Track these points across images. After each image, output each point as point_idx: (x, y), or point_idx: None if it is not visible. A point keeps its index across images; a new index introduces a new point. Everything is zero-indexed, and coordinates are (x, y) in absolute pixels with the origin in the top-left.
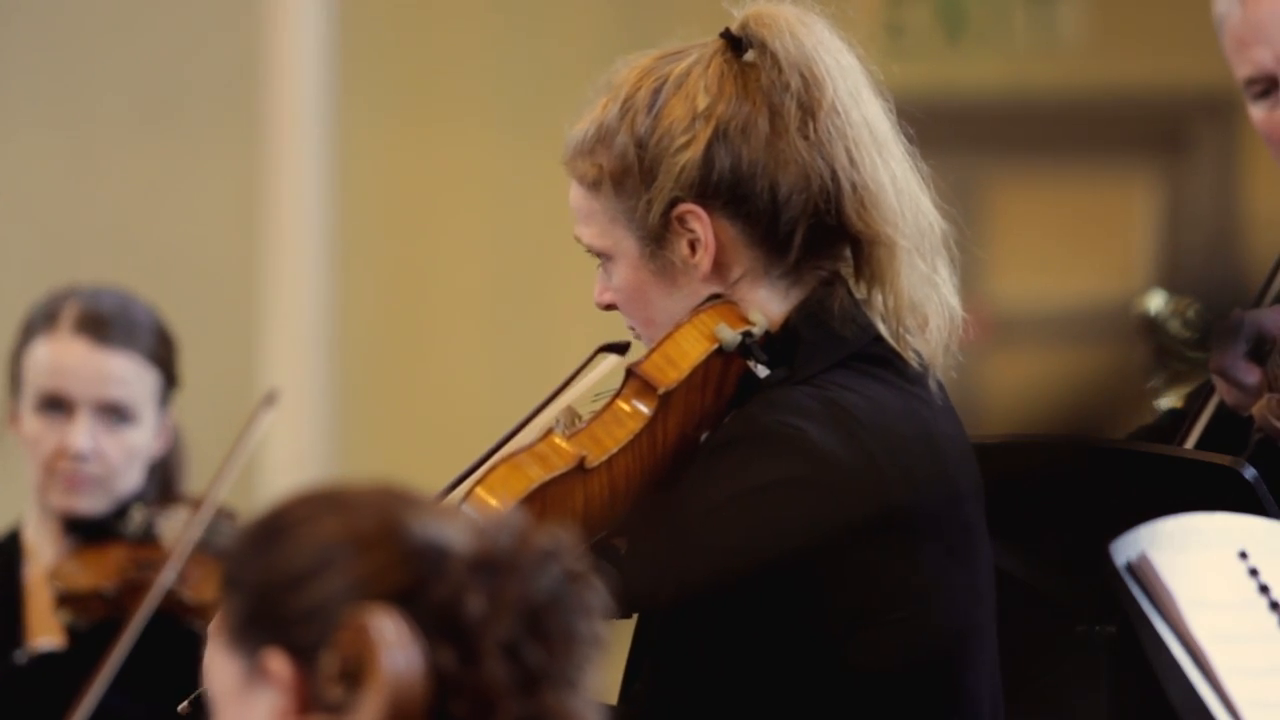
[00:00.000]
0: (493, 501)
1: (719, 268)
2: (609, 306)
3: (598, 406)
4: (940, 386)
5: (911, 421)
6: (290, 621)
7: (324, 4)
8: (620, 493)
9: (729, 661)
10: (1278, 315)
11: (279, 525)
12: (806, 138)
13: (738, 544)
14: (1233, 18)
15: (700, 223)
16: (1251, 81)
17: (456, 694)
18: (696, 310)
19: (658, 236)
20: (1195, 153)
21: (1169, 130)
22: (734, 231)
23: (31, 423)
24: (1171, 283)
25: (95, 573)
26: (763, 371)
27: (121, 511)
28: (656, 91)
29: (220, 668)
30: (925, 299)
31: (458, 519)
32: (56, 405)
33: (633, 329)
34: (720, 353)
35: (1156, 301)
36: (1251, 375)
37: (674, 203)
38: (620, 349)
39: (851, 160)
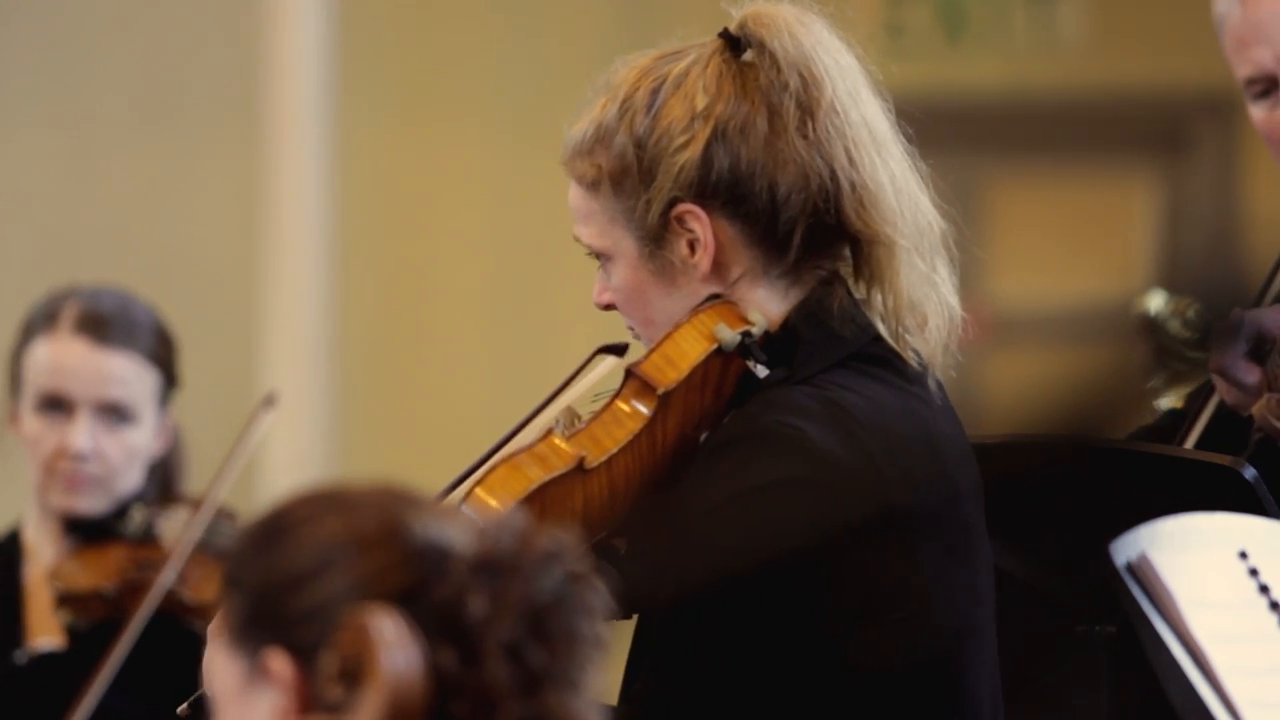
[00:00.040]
0: (492, 502)
1: (718, 268)
2: (608, 307)
3: (597, 407)
4: (940, 386)
5: (911, 421)
6: (291, 621)
7: (324, 4)
8: (620, 493)
9: (729, 662)
10: (1278, 315)
11: (280, 525)
12: (805, 137)
13: (737, 544)
14: (1233, 18)
15: (699, 223)
16: (1251, 81)
17: (457, 694)
18: (696, 310)
19: (657, 236)
20: (1195, 153)
21: (1169, 130)
22: (733, 231)
23: (31, 423)
24: (1171, 283)
25: (95, 573)
26: (762, 371)
27: (121, 511)
28: (655, 92)
29: (221, 667)
30: (924, 298)
31: (460, 519)
32: (56, 405)
33: (632, 329)
34: (719, 353)
35: (1156, 301)
36: (1251, 375)
37: (673, 203)
38: (619, 350)
39: (850, 160)
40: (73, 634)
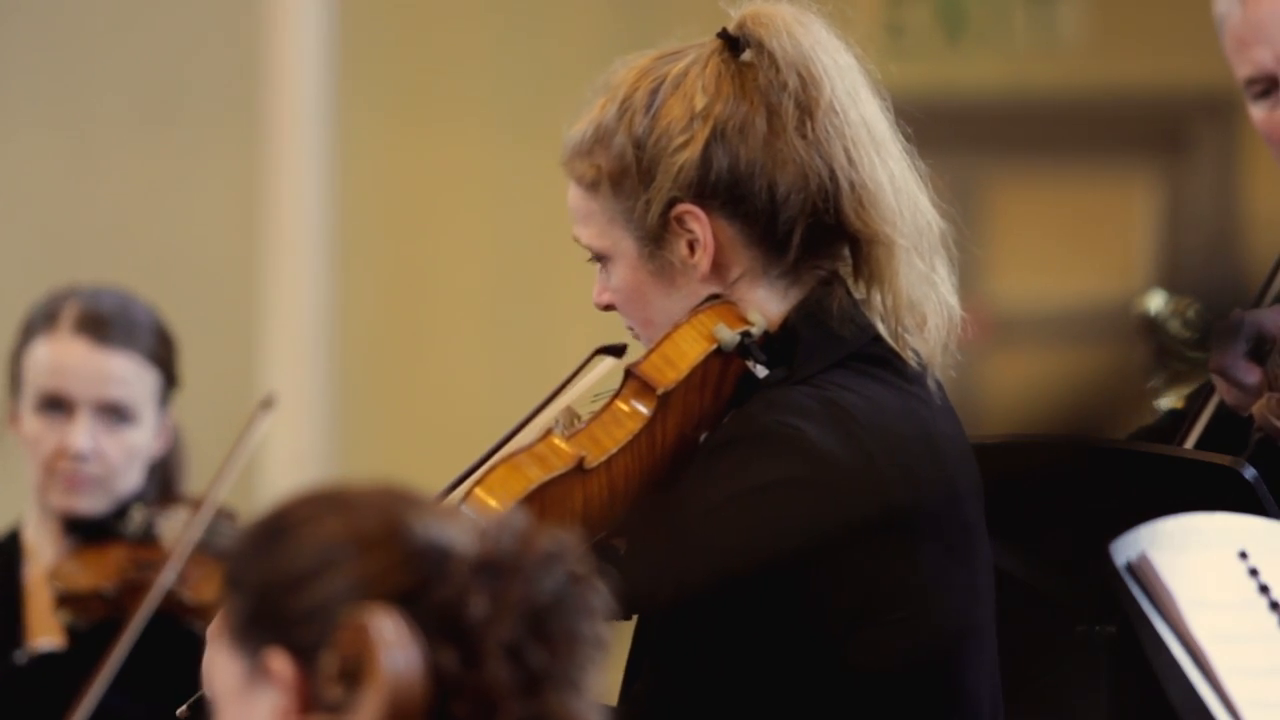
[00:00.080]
0: (492, 502)
1: (717, 268)
2: (608, 307)
3: (597, 407)
4: (939, 386)
5: (910, 421)
6: (292, 621)
7: (324, 4)
8: (619, 493)
9: (728, 662)
10: (1278, 315)
11: (281, 525)
12: (804, 137)
13: (737, 544)
14: (1233, 18)
15: (699, 223)
16: (1252, 81)
17: (458, 695)
18: (695, 310)
19: (656, 237)
20: (1195, 153)
21: (1169, 130)
22: (732, 231)
23: (31, 423)
24: (1171, 283)
25: (95, 573)
26: (761, 371)
27: (121, 511)
28: (654, 92)
29: (222, 667)
30: (923, 298)
31: (461, 520)
32: (56, 405)
33: (631, 329)
34: (719, 353)
35: (1156, 301)
36: (1251, 375)
37: (672, 203)
38: (617, 351)
39: (849, 159)
40: (73, 634)
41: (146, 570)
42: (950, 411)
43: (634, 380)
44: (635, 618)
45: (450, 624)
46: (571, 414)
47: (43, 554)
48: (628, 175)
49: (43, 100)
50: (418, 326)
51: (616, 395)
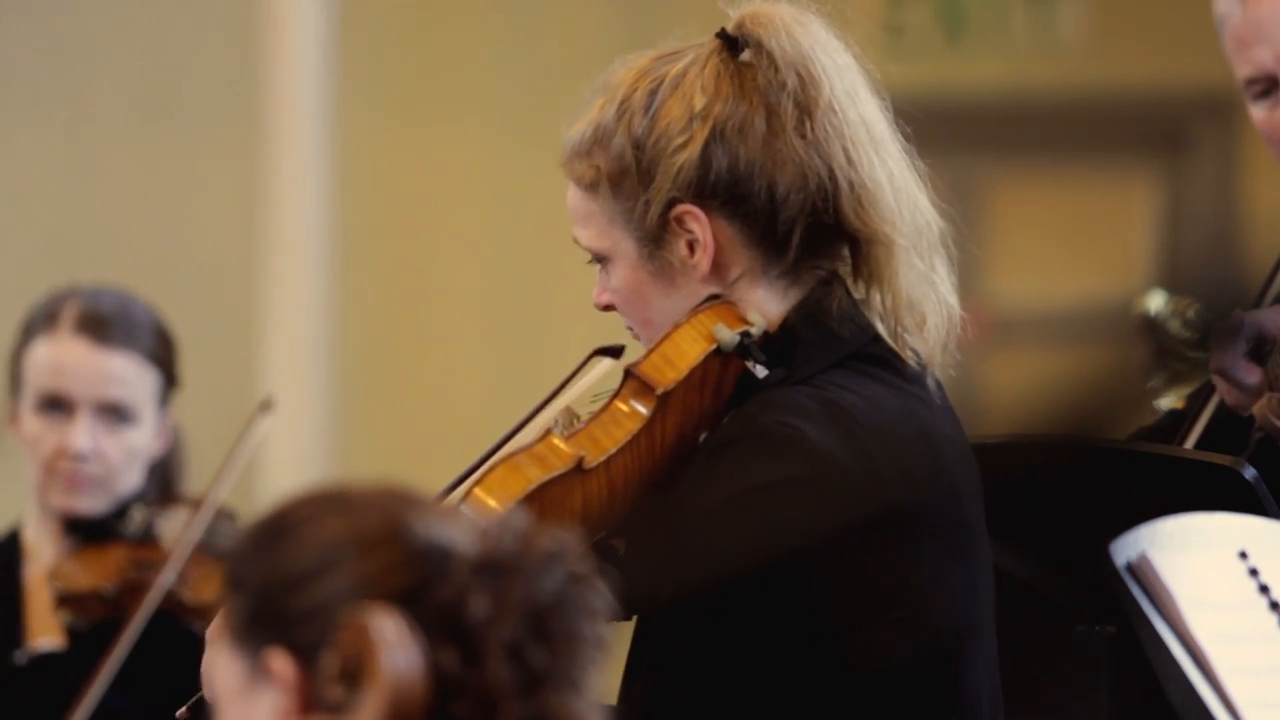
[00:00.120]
0: (491, 502)
1: (717, 268)
2: (608, 308)
3: (596, 407)
4: (939, 386)
5: (910, 421)
6: (293, 621)
7: (324, 4)
8: (619, 493)
9: (728, 662)
10: (1278, 315)
11: (282, 525)
12: (804, 137)
13: (736, 544)
14: (1233, 18)
15: (698, 223)
16: (1252, 81)
17: (459, 695)
18: (695, 311)
19: (656, 237)
20: (1195, 153)
21: (1169, 130)
22: (732, 231)
23: (31, 423)
24: (1171, 283)
25: (95, 573)
26: (761, 372)
27: (121, 512)
28: (653, 92)
29: (223, 668)
30: (923, 298)
31: (461, 520)
32: (56, 405)
33: (631, 330)
34: (718, 353)
35: (1156, 301)
36: (1251, 375)
37: (672, 203)
38: (615, 352)
39: (849, 159)
40: (73, 634)
41: (146, 570)
42: (950, 411)
43: (633, 380)
44: (635, 618)
45: (451, 624)
46: (571, 414)
47: (43, 554)
48: (627, 176)
49: (43, 100)
50: (418, 327)
51: (616, 395)
